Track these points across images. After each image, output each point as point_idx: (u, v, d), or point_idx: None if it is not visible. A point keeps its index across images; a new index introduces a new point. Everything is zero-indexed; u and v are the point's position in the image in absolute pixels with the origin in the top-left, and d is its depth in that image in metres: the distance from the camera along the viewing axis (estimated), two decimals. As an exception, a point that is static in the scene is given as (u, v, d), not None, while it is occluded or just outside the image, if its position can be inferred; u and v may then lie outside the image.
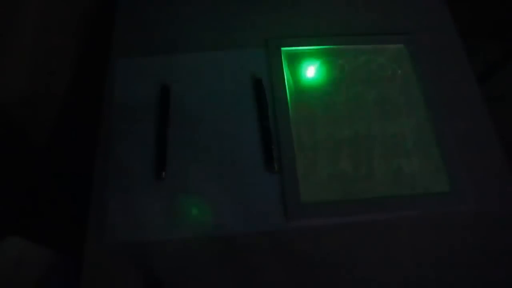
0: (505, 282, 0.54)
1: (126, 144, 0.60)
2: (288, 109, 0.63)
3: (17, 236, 0.47)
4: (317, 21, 0.73)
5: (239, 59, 0.68)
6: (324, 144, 0.61)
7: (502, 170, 0.61)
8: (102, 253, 0.52)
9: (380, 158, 0.61)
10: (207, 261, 0.53)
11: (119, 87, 0.65)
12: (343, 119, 0.64)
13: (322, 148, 0.61)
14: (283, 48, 0.69)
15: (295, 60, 0.69)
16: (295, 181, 0.58)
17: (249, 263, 0.53)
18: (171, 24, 0.72)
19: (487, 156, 0.62)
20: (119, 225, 0.54)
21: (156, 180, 0.57)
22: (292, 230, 0.55)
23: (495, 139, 0.64)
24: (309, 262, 0.53)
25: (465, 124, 0.65)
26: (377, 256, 0.54)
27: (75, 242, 0.54)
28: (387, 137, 0.62)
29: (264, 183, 0.58)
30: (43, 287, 0.50)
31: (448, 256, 0.55)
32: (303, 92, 0.66)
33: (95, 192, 0.56)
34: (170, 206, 0.56)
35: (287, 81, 0.66)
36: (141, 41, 0.70)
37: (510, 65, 1.25)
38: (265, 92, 0.65)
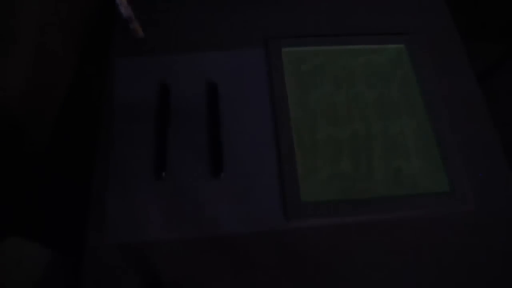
0: (505, 282, 0.54)
1: (126, 144, 0.60)
2: (288, 109, 0.63)
3: (17, 236, 0.47)
4: (317, 21, 0.74)
5: (239, 59, 0.68)
6: (324, 144, 0.61)
7: (502, 170, 0.61)
8: (102, 253, 0.52)
9: (380, 158, 0.61)
10: (207, 261, 0.53)
11: (119, 87, 0.65)
12: (343, 119, 0.64)
13: (322, 148, 0.61)
14: (283, 48, 0.69)
15: (295, 60, 0.69)
16: (295, 181, 0.58)
17: (249, 263, 0.53)
18: (171, 24, 0.72)
19: (487, 156, 0.62)
20: (119, 225, 0.54)
21: (156, 180, 0.57)
22: (292, 230, 0.55)
23: (495, 139, 0.64)
24: (309, 262, 0.53)
25: (465, 124, 0.65)
26: (377, 256, 0.54)
27: (75, 242, 0.54)
28: (387, 137, 0.62)
29: (264, 183, 0.58)
30: (43, 287, 0.51)
31: (448, 256, 0.55)
32: (303, 92, 0.66)
33: (95, 192, 0.56)
34: (170, 206, 0.56)
35: (287, 81, 0.66)
36: (141, 41, 0.70)
37: (509, 65, 1.25)
38: (217, 97, 0.64)
